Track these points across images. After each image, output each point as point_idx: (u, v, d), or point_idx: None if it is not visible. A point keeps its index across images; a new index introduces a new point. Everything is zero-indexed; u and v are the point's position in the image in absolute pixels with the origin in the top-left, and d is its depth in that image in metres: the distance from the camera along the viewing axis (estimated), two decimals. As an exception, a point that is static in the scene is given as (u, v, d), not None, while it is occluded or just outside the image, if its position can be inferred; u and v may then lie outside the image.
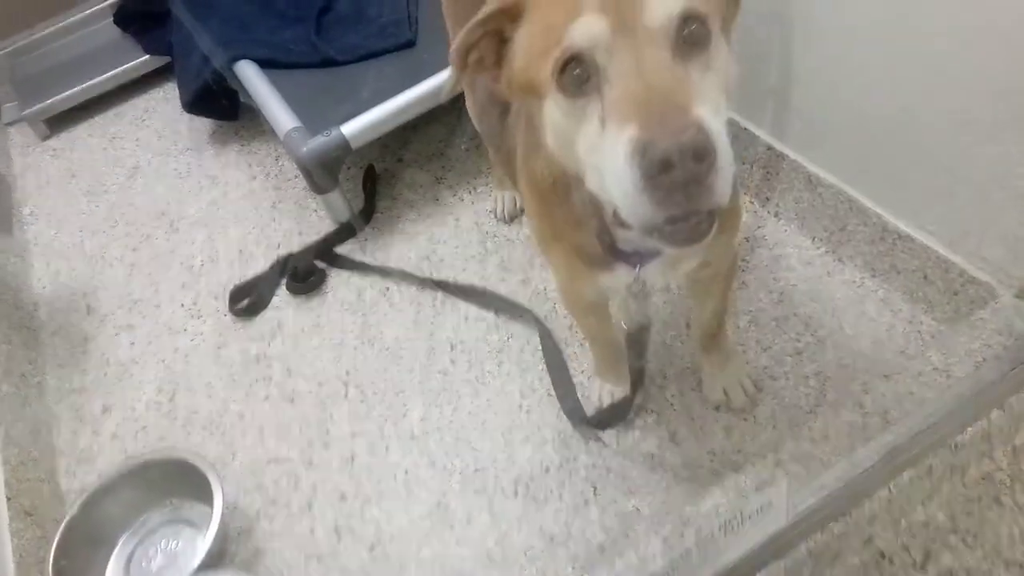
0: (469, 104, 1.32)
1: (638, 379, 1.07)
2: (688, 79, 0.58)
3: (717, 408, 1.21)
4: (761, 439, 1.16)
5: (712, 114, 0.56)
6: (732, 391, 1.19)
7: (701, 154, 0.53)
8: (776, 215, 1.42)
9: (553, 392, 1.28)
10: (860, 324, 1.25)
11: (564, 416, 1.25)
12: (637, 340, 0.98)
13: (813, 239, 1.37)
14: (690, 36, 0.60)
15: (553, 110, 0.64)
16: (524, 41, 0.67)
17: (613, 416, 1.20)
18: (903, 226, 1.20)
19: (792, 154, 1.33)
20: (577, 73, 0.60)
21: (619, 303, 1.08)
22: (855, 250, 1.31)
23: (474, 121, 1.34)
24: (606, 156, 0.58)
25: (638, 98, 0.56)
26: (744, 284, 1.34)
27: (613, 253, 0.82)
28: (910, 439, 1.00)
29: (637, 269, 0.84)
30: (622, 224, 0.66)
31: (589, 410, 1.23)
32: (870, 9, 1.05)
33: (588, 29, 0.59)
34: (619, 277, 0.88)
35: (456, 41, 0.68)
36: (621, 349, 1.21)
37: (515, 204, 1.54)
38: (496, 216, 1.57)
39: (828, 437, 1.09)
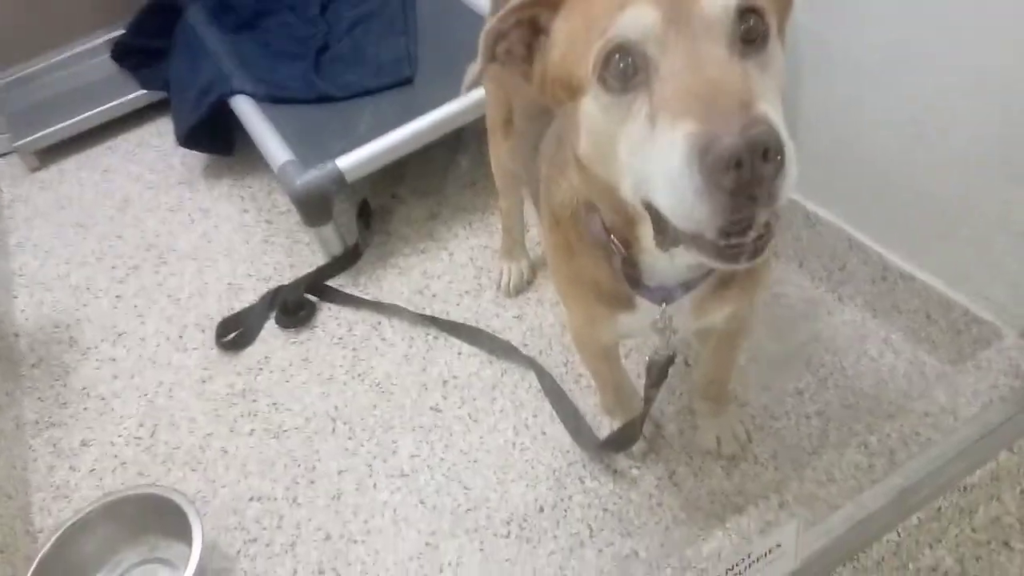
0: (492, 149, 1.30)
1: (650, 401, 1.01)
2: (748, 74, 0.53)
3: (708, 454, 1.17)
4: (763, 480, 1.12)
5: (777, 112, 0.51)
6: (724, 438, 1.16)
7: (771, 152, 0.47)
8: (775, 254, 1.41)
9: (548, 430, 1.24)
10: (862, 364, 1.23)
11: (560, 454, 1.21)
12: (658, 369, 0.92)
13: (813, 278, 1.36)
14: (748, 32, 0.54)
15: (592, 108, 0.58)
16: (563, 31, 0.61)
17: (624, 438, 1.13)
18: (904, 265, 1.19)
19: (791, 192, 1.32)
20: (623, 66, 0.54)
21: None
22: (855, 289, 1.29)
23: (496, 166, 1.33)
24: (655, 156, 0.52)
25: (696, 92, 0.50)
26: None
27: (637, 287, 0.77)
28: (918, 481, 0.97)
29: (663, 306, 0.78)
30: (661, 242, 0.61)
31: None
32: (869, 52, 1.06)
33: (639, 18, 0.53)
34: (641, 316, 0.82)
35: (486, 27, 0.63)
36: (630, 388, 1.18)
37: (522, 277, 1.48)
38: (499, 288, 1.49)
39: (834, 479, 1.06)
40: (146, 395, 1.47)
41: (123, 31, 2.13)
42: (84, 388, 1.51)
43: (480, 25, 0.66)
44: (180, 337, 1.57)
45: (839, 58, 1.11)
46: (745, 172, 0.47)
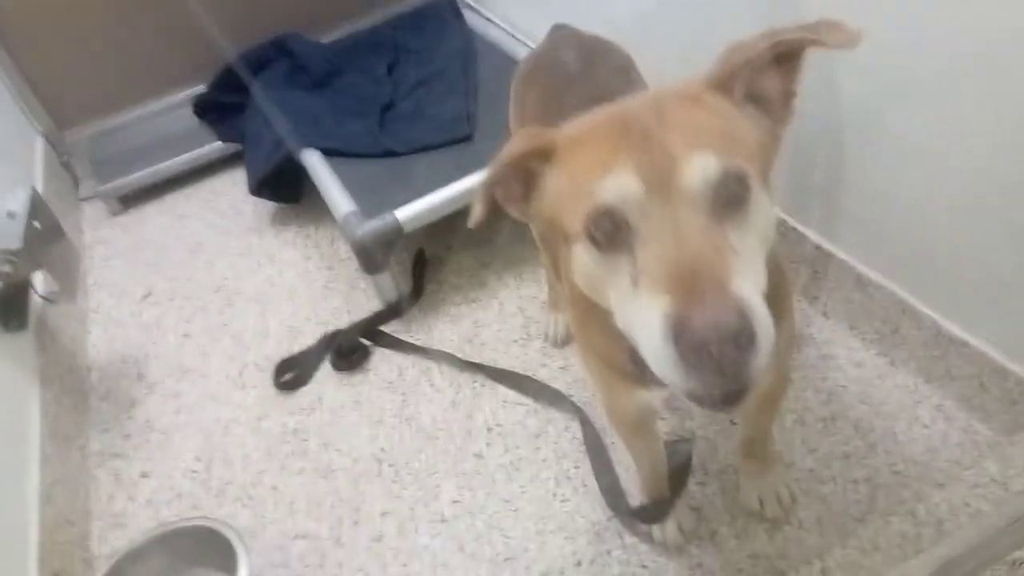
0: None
1: (678, 485, 1.01)
2: (726, 246, 0.55)
3: (750, 515, 1.16)
4: (807, 544, 1.10)
5: (752, 285, 0.54)
6: (767, 500, 1.14)
7: (740, 340, 0.50)
8: (825, 314, 1.40)
9: (589, 482, 1.25)
10: (913, 430, 1.20)
11: (600, 507, 1.21)
12: (677, 451, 0.93)
13: (863, 340, 1.34)
14: (729, 197, 0.57)
15: (583, 256, 0.62)
16: (554, 185, 0.66)
17: (652, 514, 1.15)
18: (958, 331, 1.17)
19: (842, 254, 1.32)
20: (608, 228, 0.58)
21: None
22: (908, 353, 1.27)
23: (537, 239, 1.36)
24: (639, 320, 0.56)
25: (673, 267, 0.54)
26: (791, 382, 1.31)
27: (647, 374, 0.79)
28: (965, 552, 0.93)
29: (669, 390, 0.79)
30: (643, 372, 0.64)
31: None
32: (921, 122, 1.06)
33: (621, 187, 0.57)
34: (657, 393, 0.84)
35: (484, 177, 0.68)
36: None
37: (567, 329, 1.50)
38: (547, 338, 1.52)
39: (878, 547, 1.04)
40: (205, 430, 1.54)
41: (204, 87, 2.28)
42: (148, 421, 1.58)
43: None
44: (240, 375, 1.63)
45: (890, 125, 1.11)
46: (715, 357, 0.50)
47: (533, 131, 0.68)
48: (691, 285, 0.52)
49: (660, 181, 0.56)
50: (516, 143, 0.66)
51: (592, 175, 0.59)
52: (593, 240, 0.60)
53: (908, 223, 1.18)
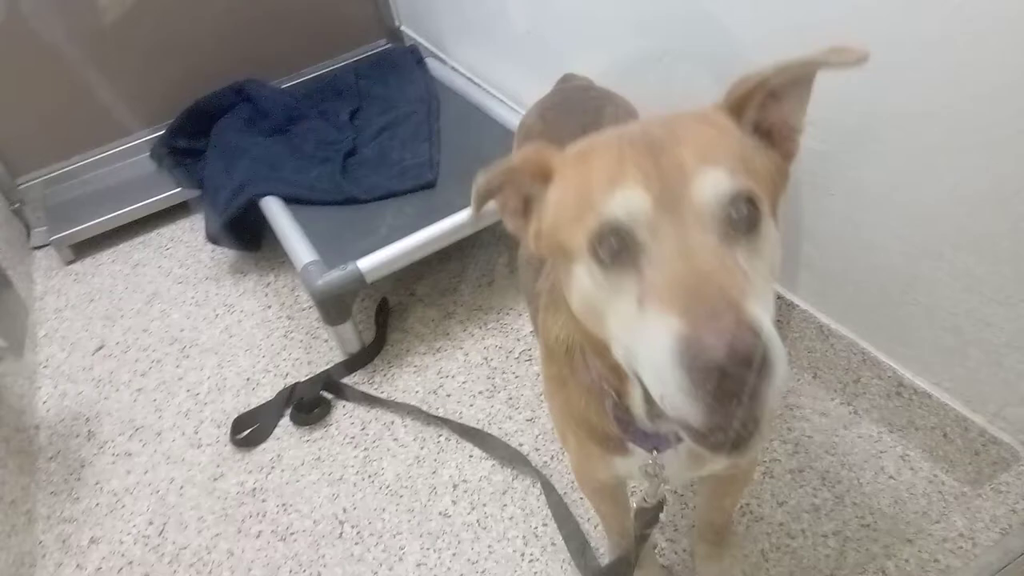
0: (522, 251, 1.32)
1: (642, 541, 0.98)
2: (737, 267, 0.52)
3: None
4: (778, 603, 1.09)
5: (764, 310, 0.49)
6: None
7: (757, 363, 0.46)
8: (788, 363, 1.40)
9: (557, 541, 1.22)
10: (879, 481, 1.20)
11: (570, 568, 1.18)
12: (645, 519, 0.89)
13: (827, 390, 1.34)
14: (740, 219, 0.54)
15: (584, 277, 0.58)
16: (555, 201, 0.63)
17: (618, 572, 1.12)
18: (919, 382, 1.18)
19: (803, 304, 1.33)
20: (614, 245, 0.55)
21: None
22: (871, 403, 1.28)
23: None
24: (644, 343, 0.52)
25: (683, 285, 0.50)
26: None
27: (629, 433, 0.73)
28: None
29: (654, 453, 0.74)
30: (649, 412, 0.64)
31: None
32: (875, 172, 1.08)
33: (629, 202, 0.54)
34: (635, 460, 0.80)
35: (479, 181, 0.65)
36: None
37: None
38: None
39: (850, 605, 1.02)
40: (158, 492, 1.48)
41: (163, 132, 2.24)
42: (98, 483, 1.52)
43: (500, 134, 0.69)
44: (196, 432, 1.58)
45: (840, 182, 1.13)
46: (729, 381, 0.46)
47: (536, 147, 0.65)
48: (704, 304, 0.48)
49: (670, 196, 0.53)
50: (516, 157, 0.65)
51: (598, 189, 0.56)
52: (597, 258, 0.56)
53: (865, 273, 1.19)
